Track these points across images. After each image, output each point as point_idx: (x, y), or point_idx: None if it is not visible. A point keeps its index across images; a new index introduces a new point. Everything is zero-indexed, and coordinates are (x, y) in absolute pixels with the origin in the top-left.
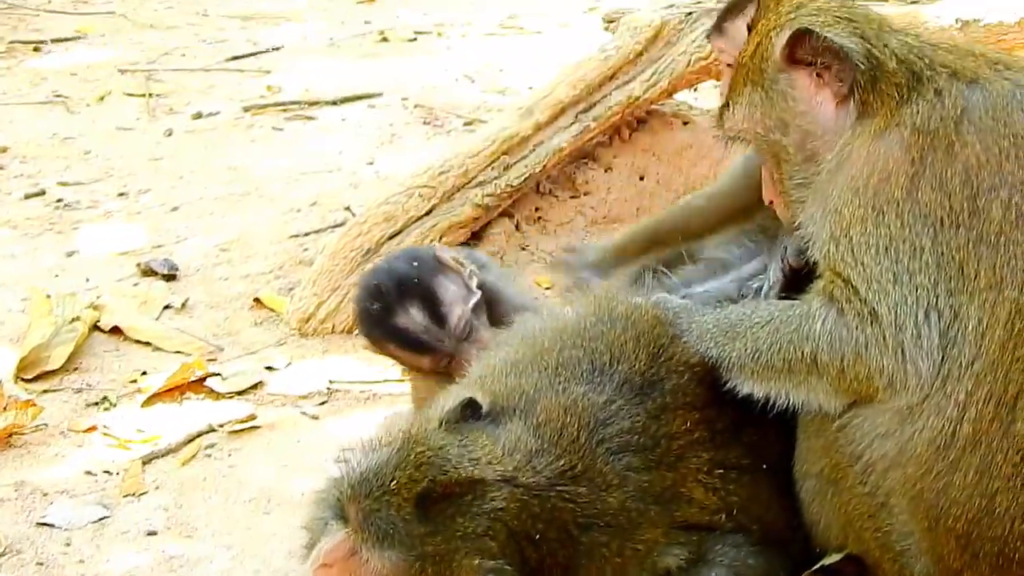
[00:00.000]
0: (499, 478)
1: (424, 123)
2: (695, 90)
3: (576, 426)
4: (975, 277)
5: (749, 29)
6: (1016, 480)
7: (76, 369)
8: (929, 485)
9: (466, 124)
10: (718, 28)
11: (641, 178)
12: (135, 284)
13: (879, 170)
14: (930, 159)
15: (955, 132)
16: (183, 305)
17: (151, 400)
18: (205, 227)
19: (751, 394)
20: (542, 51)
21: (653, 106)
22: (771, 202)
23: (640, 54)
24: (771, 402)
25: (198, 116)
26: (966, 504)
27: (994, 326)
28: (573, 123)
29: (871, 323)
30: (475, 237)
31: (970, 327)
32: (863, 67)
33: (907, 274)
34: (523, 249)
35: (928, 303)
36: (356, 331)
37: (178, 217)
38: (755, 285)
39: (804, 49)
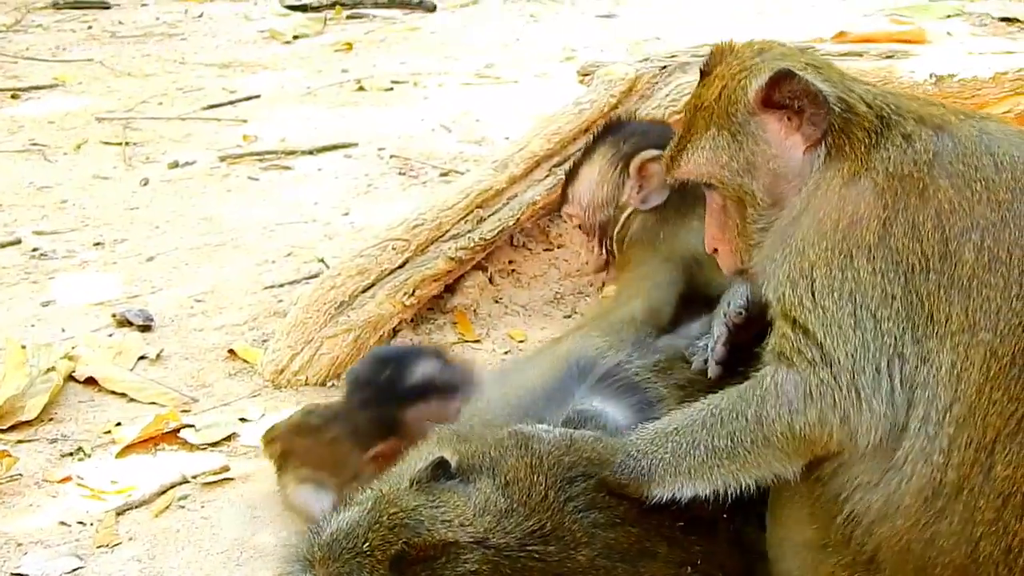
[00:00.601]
0: (471, 540)
1: (400, 173)
2: None
3: (544, 484)
4: (946, 321)
5: (704, 74)
6: (998, 525)
7: (51, 419)
8: (917, 536)
9: (442, 174)
10: (564, 197)
11: None
12: (110, 335)
13: (850, 214)
14: (902, 204)
15: (928, 176)
16: (158, 356)
17: (125, 451)
18: (180, 277)
19: (697, 496)
20: (518, 101)
21: None
22: (715, 250)
23: (614, 107)
24: (722, 494)
25: (174, 165)
26: (952, 552)
27: (969, 369)
28: (547, 176)
29: (825, 367)
30: (448, 290)
31: (943, 371)
32: (837, 111)
33: (872, 320)
34: (496, 302)
35: (893, 349)
36: (330, 384)
37: (153, 267)
38: (701, 343)
39: (781, 92)
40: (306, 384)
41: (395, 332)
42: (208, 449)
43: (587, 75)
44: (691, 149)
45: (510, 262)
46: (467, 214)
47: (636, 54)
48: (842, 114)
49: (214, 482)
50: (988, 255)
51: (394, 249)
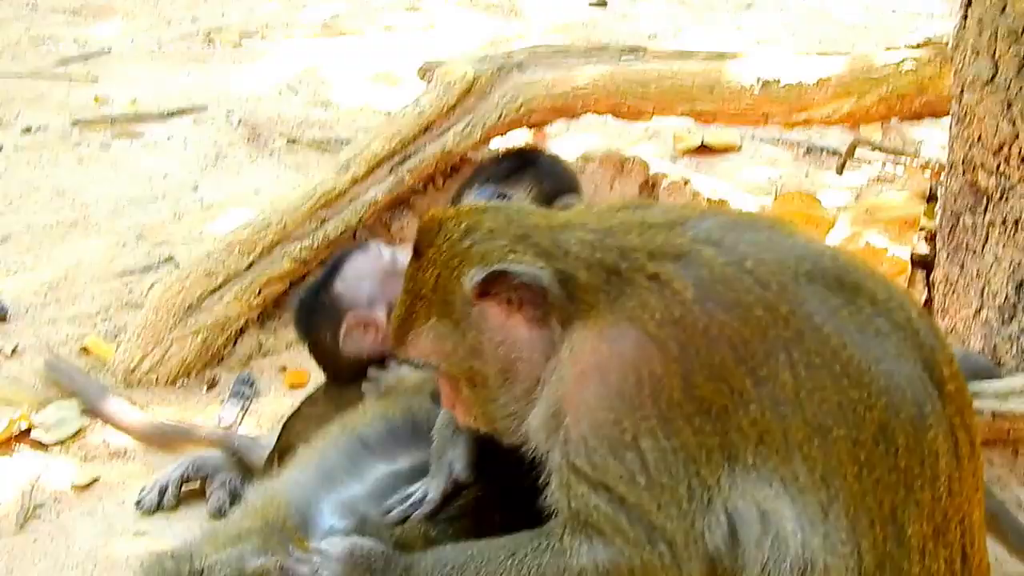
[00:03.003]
0: None
1: (248, 141)
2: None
3: None
4: (785, 437)
5: (417, 253)
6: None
7: None
8: None
9: (289, 142)
10: None
11: None
12: None
13: (646, 375)
14: (693, 350)
15: (703, 314)
16: (13, 351)
17: None
18: (34, 261)
19: None
20: (363, 56)
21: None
22: (452, 407)
23: (453, 107)
24: None
25: (28, 131)
26: None
27: (836, 467)
28: (389, 175)
29: (651, 545)
30: (294, 287)
31: (801, 479)
32: (556, 292)
33: (700, 484)
34: None
35: (720, 499)
36: (179, 383)
37: (8, 249)
38: (414, 491)
39: (496, 288)
40: (156, 383)
41: (242, 331)
42: (61, 453)
43: (427, 72)
44: (415, 335)
45: None
46: (311, 215)
47: (476, 49)
48: (563, 288)
49: (68, 488)
50: (803, 365)
51: (240, 252)
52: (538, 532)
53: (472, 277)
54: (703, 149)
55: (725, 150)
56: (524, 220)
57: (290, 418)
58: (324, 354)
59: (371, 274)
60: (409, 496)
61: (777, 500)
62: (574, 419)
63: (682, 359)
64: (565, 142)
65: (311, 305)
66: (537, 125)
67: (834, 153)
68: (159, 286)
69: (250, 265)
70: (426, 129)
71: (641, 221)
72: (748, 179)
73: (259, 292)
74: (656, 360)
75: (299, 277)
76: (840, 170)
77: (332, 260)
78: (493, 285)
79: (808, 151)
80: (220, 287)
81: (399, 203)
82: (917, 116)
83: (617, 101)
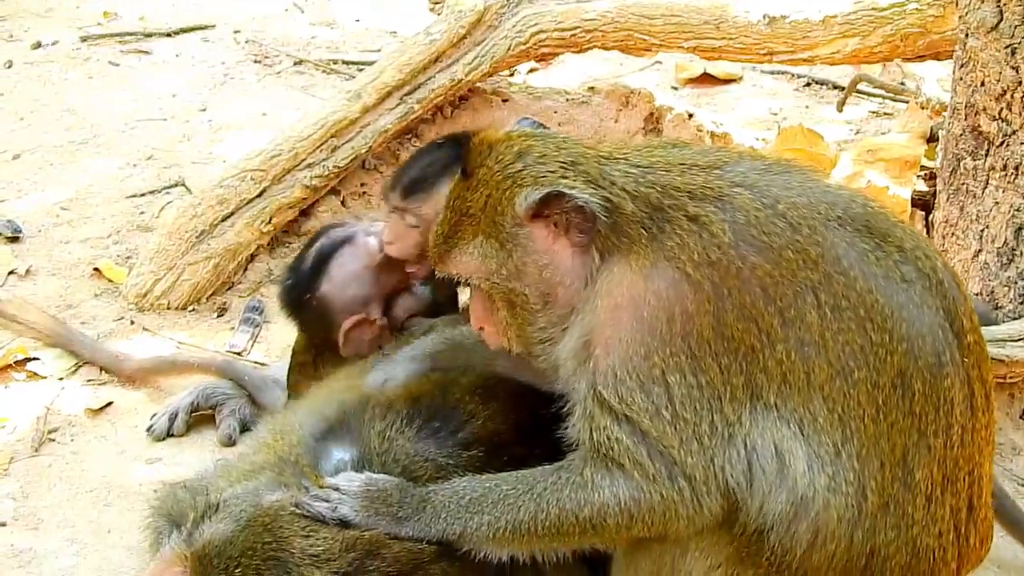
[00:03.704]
0: None
1: (255, 61)
2: (512, 73)
3: None
4: (808, 377)
5: (465, 173)
6: (928, 519)
7: None
8: (857, 553)
9: (296, 63)
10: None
11: None
12: None
13: (679, 311)
14: (725, 290)
15: (738, 258)
16: (27, 271)
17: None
18: (45, 180)
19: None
20: None
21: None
22: (481, 328)
23: (464, 38)
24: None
25: (37, 46)
26: (896, 556)
27: (854, 408)
28: (398, 105)
29: (670, 481)
30: (303, 215)
31: (820, 420)
32: (604, 219)
33: (724, 422)
34: None
35: (742, 440)
36: (190, 308)
37: (19, 167)
38: None
39: (549, 208)
40: (168, 308)
41: (252, 257)
42: (76, 377)
43: (438, 3)
44: (459, 252)
45: (362, 184)
46: (321, 144)
47: None
48: (609, 217)
49: (82, 413)
50: (829, 308)
51: (252, 179)
52: (557, 466)
53: (527, 196)
54: (705, 78)
55: (727, 80)
56: (572, 148)
57: (289, 373)
58: (325, 345)
59: (360, 275)
60: None
61: (793, 440)
62: (604, 350)
63: (715, 299)
64: (569, 68)
65: (302, 305)
66: (544, 58)
67: (835, 87)
68: (171, 211)
69: (261, 192)
70: (436, 60)
71: (680, 161)
72: (749, 112)
73: (270, 219)
74: (690, 299)
75: (310, 204)
76: (840, 107)
77: (316, 253)
78: (546, 206)
79: (808, 84)
80: (232, 214)
81: (407, 132)
82: (920, 57)
83: (624, 36)
